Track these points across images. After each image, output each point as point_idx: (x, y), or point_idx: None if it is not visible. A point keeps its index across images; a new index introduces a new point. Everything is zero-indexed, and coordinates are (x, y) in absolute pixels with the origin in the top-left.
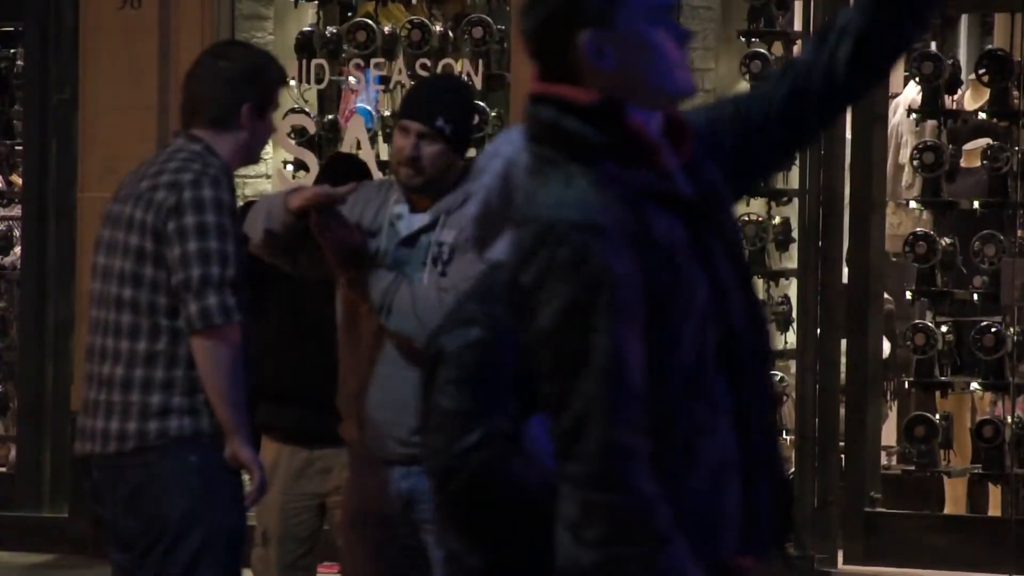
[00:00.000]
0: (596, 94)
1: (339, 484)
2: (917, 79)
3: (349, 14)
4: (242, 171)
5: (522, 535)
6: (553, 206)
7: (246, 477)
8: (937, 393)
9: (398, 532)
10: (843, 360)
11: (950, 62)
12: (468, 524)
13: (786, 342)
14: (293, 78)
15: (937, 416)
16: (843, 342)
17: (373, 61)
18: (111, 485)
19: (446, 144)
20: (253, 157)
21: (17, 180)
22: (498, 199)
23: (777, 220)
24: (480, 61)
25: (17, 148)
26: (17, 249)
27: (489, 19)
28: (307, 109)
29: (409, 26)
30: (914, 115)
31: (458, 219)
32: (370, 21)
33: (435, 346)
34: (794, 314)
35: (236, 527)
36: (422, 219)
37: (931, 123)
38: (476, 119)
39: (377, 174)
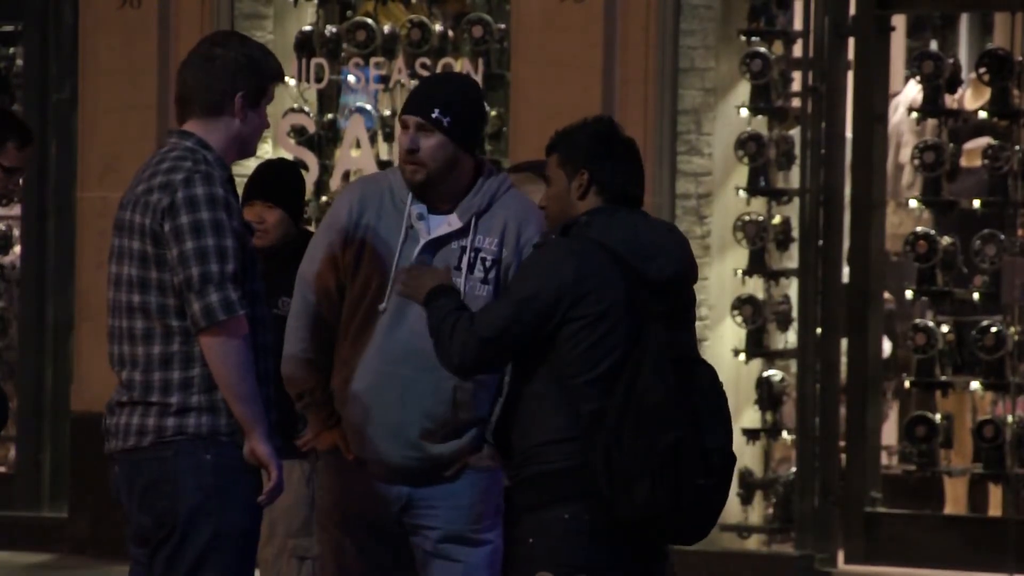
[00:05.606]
0: None
1: None
2: (918, 78)
3: (349, 13)
4: (243, 170)
5: None
6: None
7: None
8: (938, 393)
9: (390, 533)
10: (843, 360)
11: (950, 61)
12: None
13: (786, 342)
14: (293, 77)
15: (937, 416)
16: (843, 342)
17: (373, 60)
18: (129, 480)
19: (445, 136)
20: (249, 150)
21: None
22: None
23: (777, 220)
24: (480, 61)
25: None
26: (17, 249)
27: (489, 19)
28: (306, 108)
29: (409, 25)
30: (915, 114)
31: (491, 225)
32: (370, 20)
33: None
34: (794, 314)
35: (247, 527)
36: (449, 221)
37: (932, 122)
38: (484, 113)
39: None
